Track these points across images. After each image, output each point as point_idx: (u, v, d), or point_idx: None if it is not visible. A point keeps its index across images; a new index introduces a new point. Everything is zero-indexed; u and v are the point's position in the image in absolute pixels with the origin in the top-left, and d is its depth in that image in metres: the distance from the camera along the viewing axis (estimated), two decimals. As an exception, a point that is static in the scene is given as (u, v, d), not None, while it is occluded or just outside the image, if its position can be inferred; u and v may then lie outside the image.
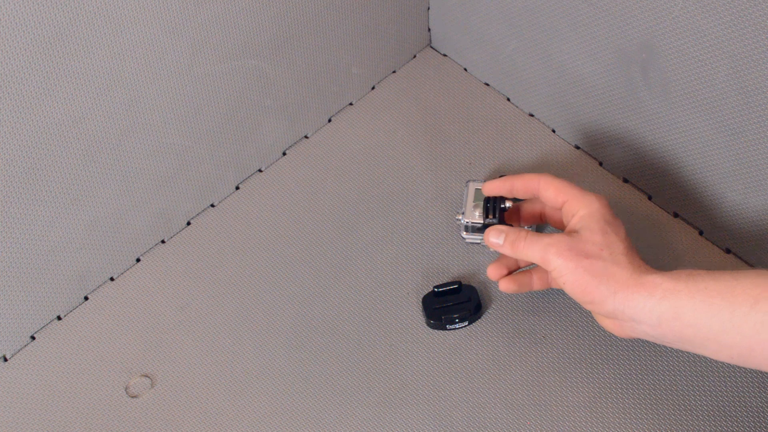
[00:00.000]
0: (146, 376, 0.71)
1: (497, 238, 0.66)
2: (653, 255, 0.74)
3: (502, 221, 0.70)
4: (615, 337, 0.70)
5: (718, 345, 0.56)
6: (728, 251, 0.74)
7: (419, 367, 0.70)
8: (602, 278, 0.58)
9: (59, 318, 0.75)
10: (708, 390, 0.67)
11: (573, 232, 0.61)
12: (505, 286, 0.69)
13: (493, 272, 0.70)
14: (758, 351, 0.54)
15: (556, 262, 0.60)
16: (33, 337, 0.74)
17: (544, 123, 0.85)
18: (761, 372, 0.67)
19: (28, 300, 0.72)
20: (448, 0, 0.86)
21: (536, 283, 0.70)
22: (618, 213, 0.77)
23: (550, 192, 0.65)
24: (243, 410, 0.69)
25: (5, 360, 0.73)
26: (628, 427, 0.66)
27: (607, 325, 0.62)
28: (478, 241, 0.76)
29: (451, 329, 0.72)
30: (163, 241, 0.80)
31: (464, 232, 0.76)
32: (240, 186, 0.83)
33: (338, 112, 0.88)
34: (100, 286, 0.77)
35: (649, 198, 0.79)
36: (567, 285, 0.60)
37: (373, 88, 0.90)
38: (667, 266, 0.73)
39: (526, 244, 0.63)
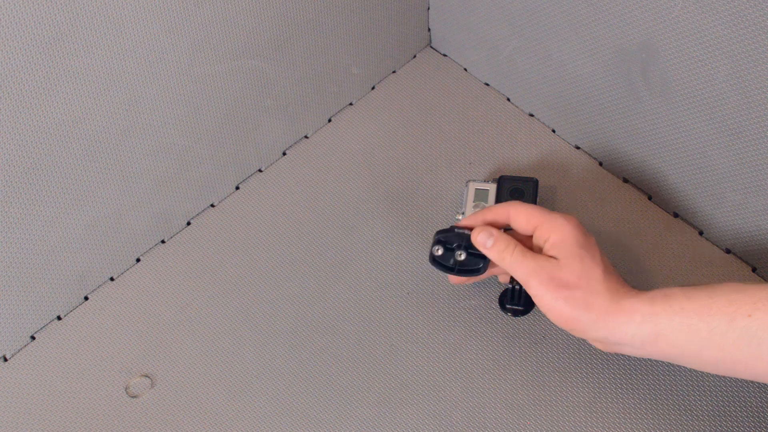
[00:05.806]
0: (146, 376, 0.71)
1: (486, 240, 0.66)
2: (653, 255, 0.74)
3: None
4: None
5: (700, 361, 0.59)
6: (728, 251, 0.74)
7: (419, 367, 0.70)
8: (581, 309, 0.60)
9: (59, 318, 0.75)
10: (708, 390, 0.67)
11: (552, 258, 0.63)
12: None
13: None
14: (741, 366, 0.57)
15: (538, 289, 0.62)
16: (33, 337, 0.74)
17: (544, 123, 0.85)
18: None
19: (28, 300, 0.72)
20: (448, 0, 0.86)
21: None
22: (618, 213, 0.78)
23: (520, 220, 0.66)
24: (243, 410, 0.69)
25: (5, 360, 0.73)
26: (628, 427, 0.66)
27: (595, 344, 0.64)
28: (478, 241, 0.76)
29: (461, 270, 0.68)
30: (163, 241, 0.80)
31: (464, 232, 0.76)
32: (240, 186, 0.83)
33: (338, 112, 0.88)
34: (100, 286, 0.77)
35: (649, 198, 0.79)
36: (548, 314, 0.62)
37: (373, 88, 0.90)
38: (668, 266, 0.74)
39: (512, 260, 0.64)
